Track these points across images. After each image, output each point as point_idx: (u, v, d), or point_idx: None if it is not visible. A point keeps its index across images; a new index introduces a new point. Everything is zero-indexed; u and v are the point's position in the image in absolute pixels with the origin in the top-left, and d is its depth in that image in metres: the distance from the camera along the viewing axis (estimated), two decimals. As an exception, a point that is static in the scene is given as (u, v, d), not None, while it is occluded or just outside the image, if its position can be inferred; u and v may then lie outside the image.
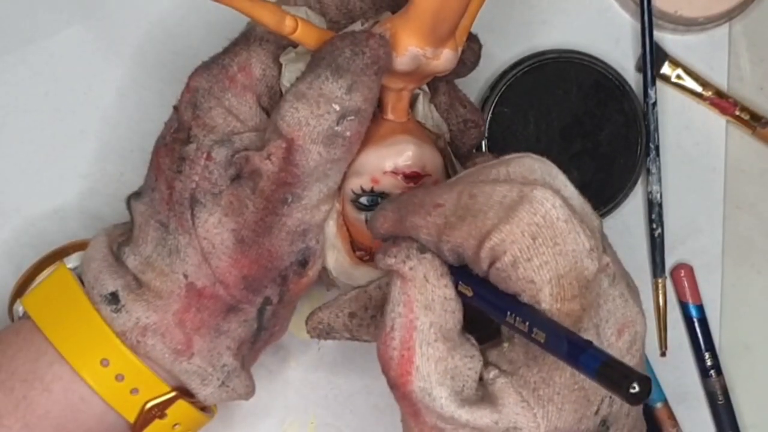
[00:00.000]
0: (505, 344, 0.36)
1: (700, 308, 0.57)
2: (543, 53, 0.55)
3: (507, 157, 0.37)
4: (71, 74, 0.53)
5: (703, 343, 0.56)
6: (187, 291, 0.42)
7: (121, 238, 0.44)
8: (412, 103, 0.44)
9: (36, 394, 0.42)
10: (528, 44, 0.55)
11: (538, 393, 0.35)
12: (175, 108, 0.44)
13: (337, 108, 0.39)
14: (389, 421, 0.55)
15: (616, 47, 0.56)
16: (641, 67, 0.56)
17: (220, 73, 0.42)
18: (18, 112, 0.53)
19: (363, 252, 0.44)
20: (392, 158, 0.42)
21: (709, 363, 0.56)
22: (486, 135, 0.54)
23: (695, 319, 0.56)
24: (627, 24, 0.57)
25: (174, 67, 0.44)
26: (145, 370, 0.42)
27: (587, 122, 0.55)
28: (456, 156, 0.46)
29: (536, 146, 0.54)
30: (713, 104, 0.57)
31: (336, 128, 0.39)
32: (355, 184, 0.42)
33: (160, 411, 0.43)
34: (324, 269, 0.44)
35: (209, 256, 0.41)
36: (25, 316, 0.44)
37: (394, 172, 0.42)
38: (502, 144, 0.54)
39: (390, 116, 0.43)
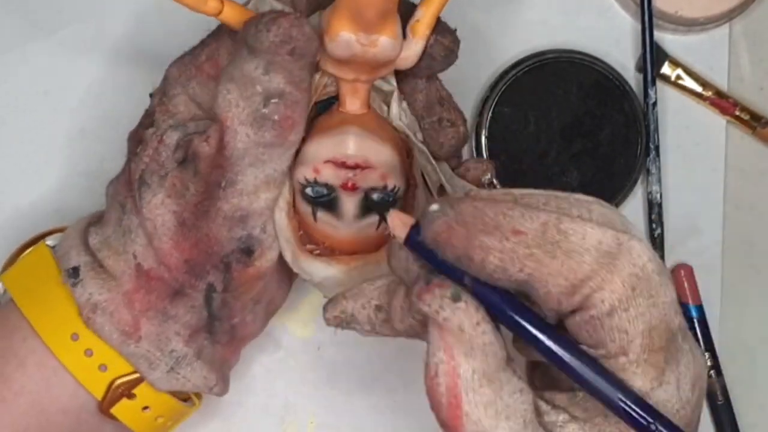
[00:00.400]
0: (580, 394, 0.35)
1: (700, 309, 0.57)
2: (543, 53, 0.55)
3: (582, 197, 0.35)
4: (71, 73, 0.53)
5: (702, 343, 0.56)
6: (137, 272, 0.42)
7: (94, 219, 0.45)
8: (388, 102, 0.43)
9: (11, 370, 0.42)
10: (528, 44, 0.55)
11: None
12: (151, 95, 0.44)
13: (260, 89, 0.39)
14: (389, 421, 0.55)
15: (617, 47, 0.56)
16: (641, 67, 0.56)
17: (190, 63, 0.43)
18: (18, 111, 0.53)
19: (314, 246, 0.43)
20: (331, 147, 0.40)
21: (708, 363, 0.56)
22: (486, 135, 0.54)
23: (695, 320, 0.56)
24: (627, 24, 0.57)
25: (174, 66, 0.44)
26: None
27: (587, 122, 0.55)
28: (436, 158, 0.44)
29: (536, 146, 0.54)
30: (713, 104, 0.57)
31: (263, 111, 0.39)
32: (300, 173, 0.41)
33: (127, 390, 0.43)
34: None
35: (152, 237, 0.41)
36: (7, 294, 0.44)
37: (333, 162, 0.40)
38: (502, 144, 0.54)
39: (345, 108, 0.42)
